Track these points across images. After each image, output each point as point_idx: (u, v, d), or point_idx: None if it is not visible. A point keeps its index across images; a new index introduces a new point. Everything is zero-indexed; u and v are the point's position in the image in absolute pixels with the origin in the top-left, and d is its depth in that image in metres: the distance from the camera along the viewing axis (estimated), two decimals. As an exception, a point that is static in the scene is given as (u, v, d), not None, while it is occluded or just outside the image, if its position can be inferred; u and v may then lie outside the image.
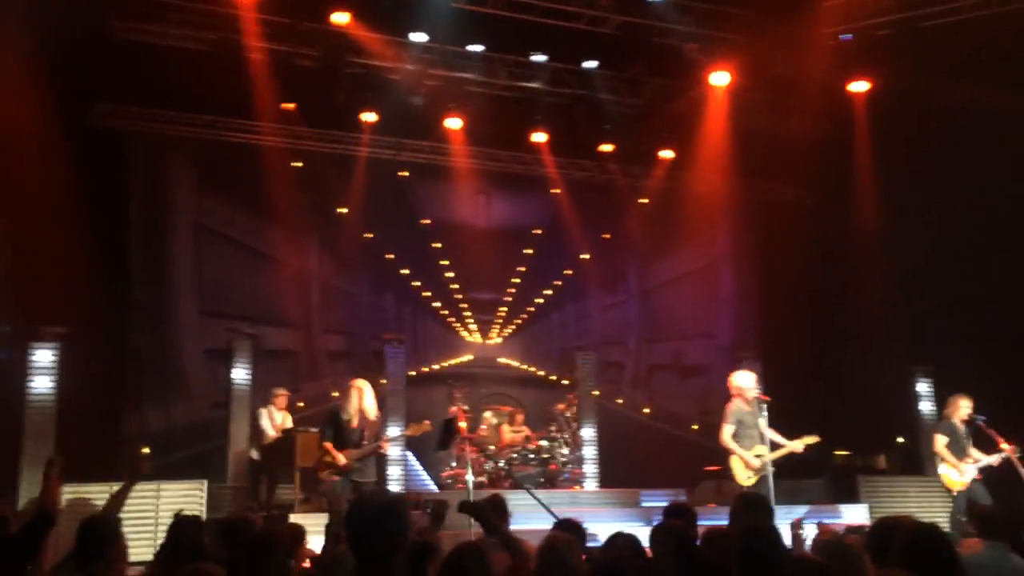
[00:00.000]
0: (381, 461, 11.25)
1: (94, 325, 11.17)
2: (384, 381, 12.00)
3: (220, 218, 13.95)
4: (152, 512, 8.26)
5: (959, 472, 8.94)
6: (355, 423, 7.88)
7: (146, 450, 11.50)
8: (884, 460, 12.67)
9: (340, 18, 11.65)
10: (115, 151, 12.96)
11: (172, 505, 8.25)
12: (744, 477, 8.43)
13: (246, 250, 14.10)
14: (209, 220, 13.88)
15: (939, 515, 9.67)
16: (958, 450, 9.00)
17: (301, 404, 11.73)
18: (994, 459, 8.91)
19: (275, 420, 10.28)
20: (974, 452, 9.02)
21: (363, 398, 7.94)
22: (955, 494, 9.00)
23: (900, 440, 12.99)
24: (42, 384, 9.70)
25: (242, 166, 13.55)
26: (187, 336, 13.29)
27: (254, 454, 10.43)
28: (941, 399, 9.79)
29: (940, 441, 9.10)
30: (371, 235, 14.86)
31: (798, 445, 8.48)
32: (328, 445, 7.81)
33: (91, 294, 10.93)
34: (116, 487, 5.42)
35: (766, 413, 8.45)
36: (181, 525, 4.74)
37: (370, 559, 2.87)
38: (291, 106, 13.14)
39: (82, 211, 10.87)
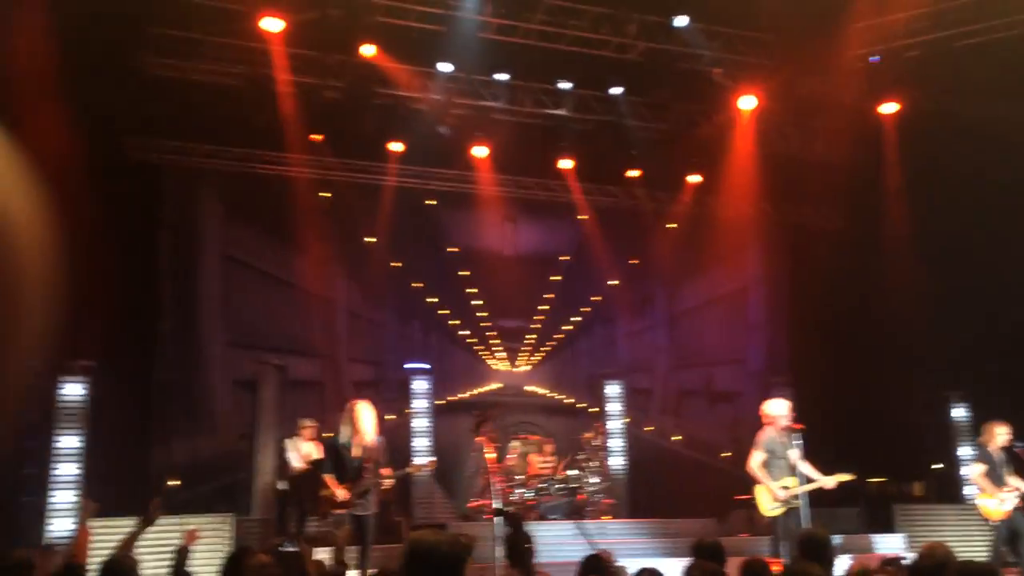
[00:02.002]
0: (407, 489, 11.28)
1: (123, 356, 11.30)
2: (411, 410, 12.00)
3: (248, 249, 14.12)
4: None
5: (999, 501, 8.69)
6: (355, 451, 7.49)
7: (173, 482, 11.56)
8: (920, 487, 12.37)
9: (367, 50, 11.79)
10: (146, 184, 13.19)
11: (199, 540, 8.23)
12: (769, 508, 8.25)
13: (274, 280, 14.25)
14: (238, 251, 14.05)
15: (978, 544, 9.40)
16: (996, 478, 8.75)
17: (328, 435, 11.69)
18: (1033, 487, 8.65)
19: (301, 451, 10.25)
20: (1012, 480, 8.77)
21: (361, 420, 7.52)
22: (995, 523, 8.75)
23: (936, 467, 12.69)
24: (71, 416, 9.78)
25: (271, 197, 13.74)
26: (214, 367, 13.42)
27: (281, 486, 10.40)
28: (977, 424, 9.53)
29: (977, 470, 8.86)
30: (398, 264, 14.95)
31: (830, 481, 8.24)
32: (328, 479, 7.42)
33: (120, 326, 11.07)
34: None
35: (799, 442, 8.29)
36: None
37: None
38: (319, 137, 13.29)
39: (112, 243, 11.02)
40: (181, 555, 5.49)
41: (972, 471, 8.96)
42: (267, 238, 14.19)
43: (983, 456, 8.91)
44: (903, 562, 5.73)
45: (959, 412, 12.06)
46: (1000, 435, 8.85)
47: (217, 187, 14.04)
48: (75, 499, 9.33)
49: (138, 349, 12.42)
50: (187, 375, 13.20)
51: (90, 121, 10.75)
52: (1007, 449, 8.84)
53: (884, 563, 6.09)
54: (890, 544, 10.19)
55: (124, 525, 8.42)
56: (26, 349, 9.33)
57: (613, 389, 13.24)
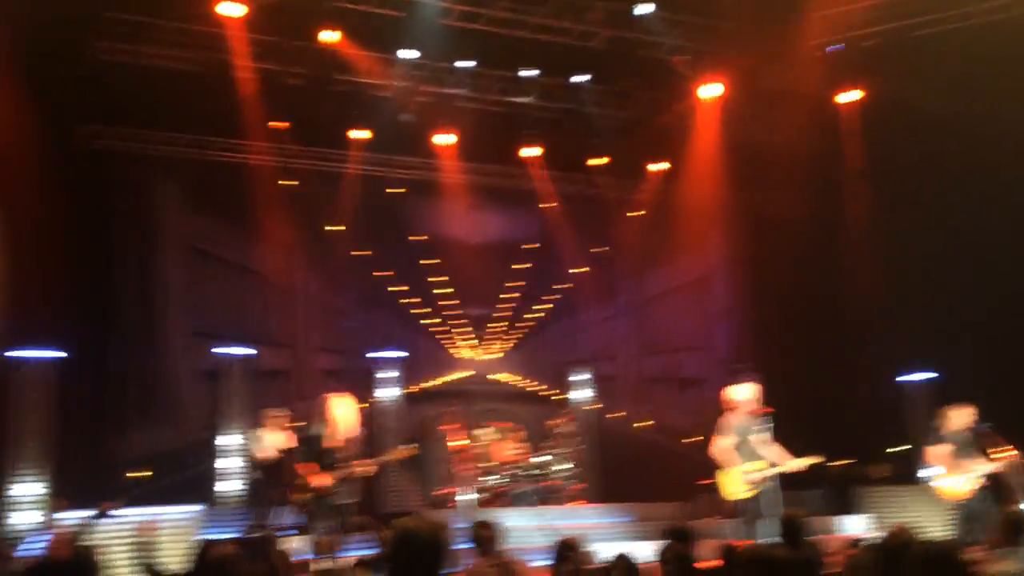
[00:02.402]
0: (375, 477, 11.17)
1: (83, 348, 11.03)
2: (377, 399, 11.92)
3: (210, 238, 13.87)
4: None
5: (959, 482, 8.86)
6: (329, 442, 7.48)
7: (138, 474, 11.31)
8: (882, 469, 12.59)
9: (329, 36, 11.64)
10: (103, 172, 12.85)
11: (164, 530, 8.09)
12: (739, 491, 8.34)
13: (237, 270, 14.02)
14: (199, 240, 13.79)
15: (939, 525, 9.59)
16: (957, 460, 8.92)
17: (295, 424, 11.52)
18: (996, 466, 8.83)
19: (266, 442, 10.10)
20: (975, 460, 8.95)
21: (339, 413, 7.51)
22: (957, 503, 8.92)
23: (899, 449, 12.93)
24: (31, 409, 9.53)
25: (231, 186, 13.44)
26: (177, 358, 13.16)
27: (256, 474, 10.19)
28: (940, 406, 9.70)
29: (941, 451, 9.03)
30: (363, 252, 14.79)
31: (800, 464, 8.35)
32: (302, 467, 7.41)
33: (80, 317, 10.81)
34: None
35: (770, 426, 8.38)
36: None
37: None
38: (281, 125, 13.09)
39: (70, 233, 10.76)
40: (145, 550, 5.38)
41: (934, 453, 9.13)
42: (229, 227, 13.94)
43: (945, 438, 9.08)
44: (866, 543, 5.81)
45: (921, 395, 12.27)
46: (961, 417, 9.02)
47: (176, 175, 13.72)
48: (38, 492, 9.12)
49: (98, 340, 12.13)
50: (148, 365, 12.91)
51: (42, 108, 10.47)
52: (968, 431, 9.01)
53: (848, 544, 6.18)
54: (853, 525, 10.36)
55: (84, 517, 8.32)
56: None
57: (580, 376, 13.26)
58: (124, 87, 11.74)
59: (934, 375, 12.19)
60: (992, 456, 8.85)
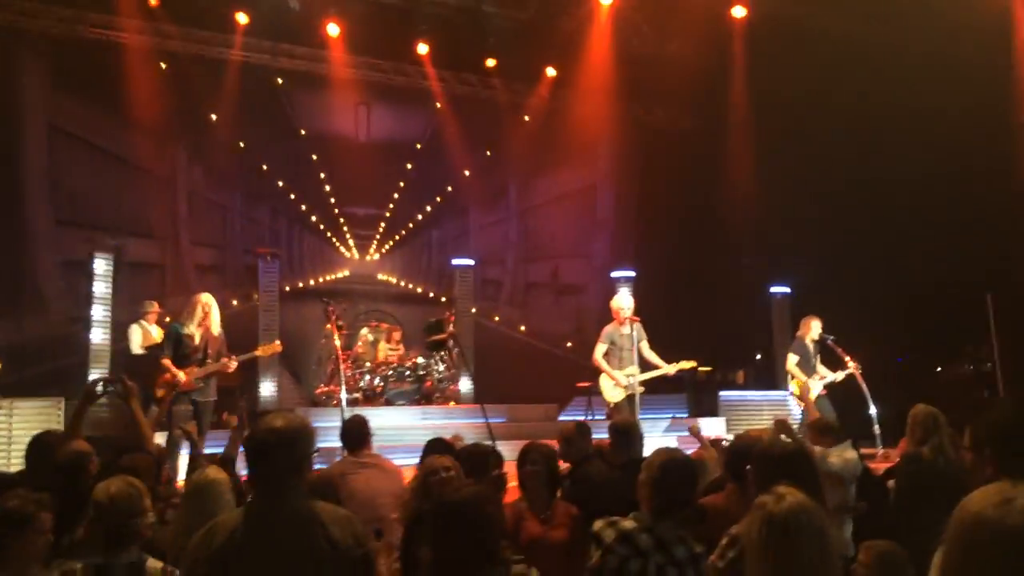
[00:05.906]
0: (254, 376, 11.17)
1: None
2: (257, 296, 11.77)
3: (77, 120, 13.04)
4: (5, 430, 7.88)
5: (808, 388, 9.54)
6: (197, 340, 7.53)
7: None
8: (742, 376, 13.36)
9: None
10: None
11: (26, 424, 7.91)
12: (613, 395, 8.77)
13: (107, 156, 13.30)
14: (65, 122, 12.96)
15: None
16: (808, 368, 9.59)
17: (168, 319, 11.29)
18: (839, 375, 9.54)
19: (151, 335, 9.89)
20: (822, 369, 9.65)
21: (207, 313, 7.58)
22: (803, 408, 9.63)
23: (757, 357, 13.72)
24: None
25: (102, 65, 12.61)
26: (40, 245, 12.54)
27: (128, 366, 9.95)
28: (796, 319, 10.34)
29: (792, 359, 9.67)
30: (245, 144, 14.27)
31: (671, 368, 8.83)
32: (166, 362, 7.43)
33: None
34: None
35: (643, 334, 8.77)
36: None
37: (274, 482, 2.83)
38: (156, 2, 12.31)
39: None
40: None
41: (788, 361, 9.77)
42: (99, 110, 13.10)
43: (798, 347, 9.72)
44: (723, 444, 6.25)
45: (781, 306, 12.93)
46: (814, 328, 9.68)
47: (41, 50, 12.75)
48: None
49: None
50: (9, 252, 12.22)
51: None
52: (820, 341, 9.68)
53: (710, 442, 6.61)
54: (713, 427, 11.01)
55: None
56: None
57: (463, 279, 13.39)
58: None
59: (794, 289, 12.80)
60: (837, 366, 9.57)
